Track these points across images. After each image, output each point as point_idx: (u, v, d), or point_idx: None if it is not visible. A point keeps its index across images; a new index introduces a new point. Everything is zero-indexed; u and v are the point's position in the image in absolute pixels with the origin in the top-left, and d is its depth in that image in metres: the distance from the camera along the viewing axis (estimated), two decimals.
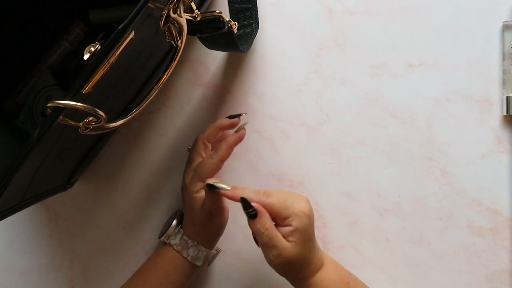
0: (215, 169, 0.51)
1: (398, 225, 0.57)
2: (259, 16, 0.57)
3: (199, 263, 0.52)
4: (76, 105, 0.34)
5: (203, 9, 0.56)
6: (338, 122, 0.58)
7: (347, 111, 0.58)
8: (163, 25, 0.39)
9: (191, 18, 0.42)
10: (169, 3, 0.38)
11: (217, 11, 0.44)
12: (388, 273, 0.57)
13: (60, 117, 0.35)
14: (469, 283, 0.55)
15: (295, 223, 0.44)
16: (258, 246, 0.47)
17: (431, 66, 0.56)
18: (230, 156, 0.59)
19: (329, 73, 0.58)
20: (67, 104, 0.34)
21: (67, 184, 0.56)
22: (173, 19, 0.39)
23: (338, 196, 0.57)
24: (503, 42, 0.55)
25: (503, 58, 0.55)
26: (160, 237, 0.54)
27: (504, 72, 0.55)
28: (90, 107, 0.35)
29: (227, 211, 0.53)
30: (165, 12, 0.38)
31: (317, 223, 0.58)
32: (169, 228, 0.53)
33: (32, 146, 0.35)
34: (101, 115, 0.36)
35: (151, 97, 0.41)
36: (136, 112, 0.41)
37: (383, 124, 0.57)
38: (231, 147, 0.51)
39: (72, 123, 0.36)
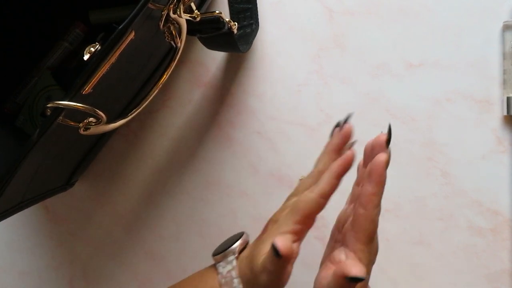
0: (316, 207, 0.38)
1: (398, 226, 0.57)
2: (259, 16, 0.57)
3: None
4: (76, 105, 0.34)
5: (203, 9, 0.56)
6: None
7: (347, 111, 0.57)
8: (163, 26, 0.39)
9: (191, 18, 0.42)
10: (169, 4, 0.38)
11: (217, 12, 0.44)
12: (388, 274, 0.57)
13: (60, 117, 0.35)
14: (469, 284, 0.55)
15: None
16: None
17: (431, 66, 0.56)
18: (230, 157, 0.59)
19: (329, 74, 0.58)
20: (67, 105, 0.34)
21: (67, 184, 0.56)
22: (173, 19, 0.39)
23: (339, 197, 0.57)
24: (503, 42, 0.55)
25: (503, 58, 0.55)
26: (214, 254, 0.44)
27: (504, 72, 0.55)
28: (90, 107, 0.35)
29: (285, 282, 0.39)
30: (165, 13, 0.38)
31: (317, 223, 0.57)
32: (226, 251, 0.43)
33: (32, 146, 0.35)
34: (101, 116, 0.36)
35: (151, 97, 0.41)
36: (136, 112, 0.41)
37: (383, 125, 0.57)
38: (336, 178, 0.38)
39: (72, 123, 0.36)
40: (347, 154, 0.38)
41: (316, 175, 0.40)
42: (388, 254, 0.57)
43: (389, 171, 0.57)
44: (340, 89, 0.58)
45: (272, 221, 0.41)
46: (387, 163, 0.36)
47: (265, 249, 0.39)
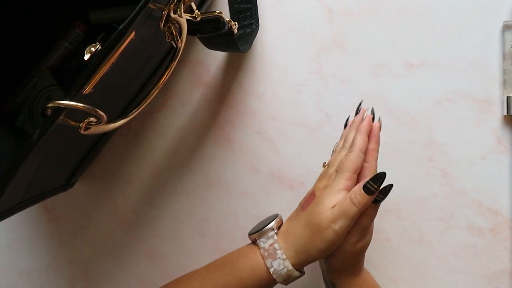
0: (359, 161, 0.45)
1: (399, 226, 0.57)
2: (259, 16, 0.57)
3: (278, 280, 0.45)
4: (77, 105, 0.34)
5: (203, 9, 0.56)
6: (338, 122, 0.58)
7: (347, 111, 0.57)
8: (163, 25, 0.39)
9: (191, 18, 0.42)
10: (169, 4, 0.38)
11: (217, 11, 0.44)
12: (388, 274, 0.57)
13: (61, 117, 0.35)
14: (469, 284, 0.55)
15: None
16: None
17: (431, 66, 0.56)
18: (230, 157, 0.59)
19: (329, 73, 0.58)
20: (67, 105, 0.34)
21: (67, 184, 0.56)
22: (173, 19, 0.39)
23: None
24: (503, 42, 0.55)
25: (503, 58, 0.55)
26: (250, 234, 0.48)
27: (504, 72, 0.55)
28: (91, 107, 0.35)
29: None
30: (165, 13, 0.38)
31: None
32: (264, 229, 0.47)
33: (32, 146, 0.35)
34: (102, 116, 0.36)
35: (151, 97, 0.41)
36: (136, 112, 0.41)
37: (384, 125, 0.57)
38: (366, 134, 0.47)
39: (73, 123, 0.36)
40: (368, 116, 0.48)
41: (348, 147, 0.47)
42: (388, 254, 0.57)
43: (389, 171, 0.57)
44: (340, 89, 0.58)
45: (320, 189, 0.46)
46: (380, 127, 0.48)
47: (329, 205, 0.44)
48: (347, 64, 0.58)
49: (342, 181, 0.45)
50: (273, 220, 0.48)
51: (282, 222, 0.48)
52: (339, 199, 0.44)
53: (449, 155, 0.56)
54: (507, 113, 0.54)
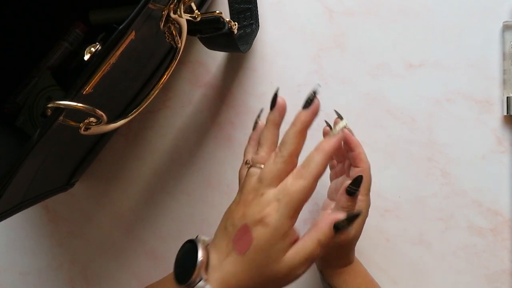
0: (310, 193, 0.36)
1: (399, 226, 0.57)
2: (259, 16, 0.57)
3: None
4: (77, 105, 0.34)
5: (203, 9, 0.56)
6: None
7: (347, 111, 0.57)
8: (163, 26, 0.39)
9: (191, 18, 0.42)
10: (169, 4, 0.38)
11: (217, 12, 0.44)
12: (388, 274, 0.57)
13: (61, 117, 0.35)
14: (469, 284, 0.55)
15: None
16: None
17: (431, 66, 0.56)
18: (230, 157, 0.59)
19: (330, 74, 0.58)
20: (67, 105, 0.34)
21: (67, 184, 0.56)
22: (173, 19, 0.39)
23: None
24: (503, 42, 0.55)
25: (503, 58, 0.55)
26: (180, 282, 0.37)
27: (504, 72, 0.55)
28: (91, 107, 0.35)
29: None
30: (165, 13, 0.38)
31: None
32: (193, 274, 0.36)
33: (33, 147, 0.35)
34: (102, 116, 0.36)
35: (151, 97, 0.41)
36: (136, 112, 0.41)
37: (384, 125, 0.57)
38: (329, 157, 0.37)
39: (73, 123, 0.36)
40: (313, 104, 0.40)
41: (287, 156, 0.37)
42: (388, 254, 0.57)
43: (389, 171, 0.57)
44: (340, 89, 0.58)
45: (256, 223, 0.36)
46: (351, 131, 0.48)
47: (280, 255, 0.35)
48: (347, 64, 0.58)
49: (287, 222, 0.35)
50: (195, 260, 0.37)
51: (207, 250, 0.38)
52: (290, 245, 0.35)
53: (449, 155, 0.56)
54: (507, 113, 0.54)
